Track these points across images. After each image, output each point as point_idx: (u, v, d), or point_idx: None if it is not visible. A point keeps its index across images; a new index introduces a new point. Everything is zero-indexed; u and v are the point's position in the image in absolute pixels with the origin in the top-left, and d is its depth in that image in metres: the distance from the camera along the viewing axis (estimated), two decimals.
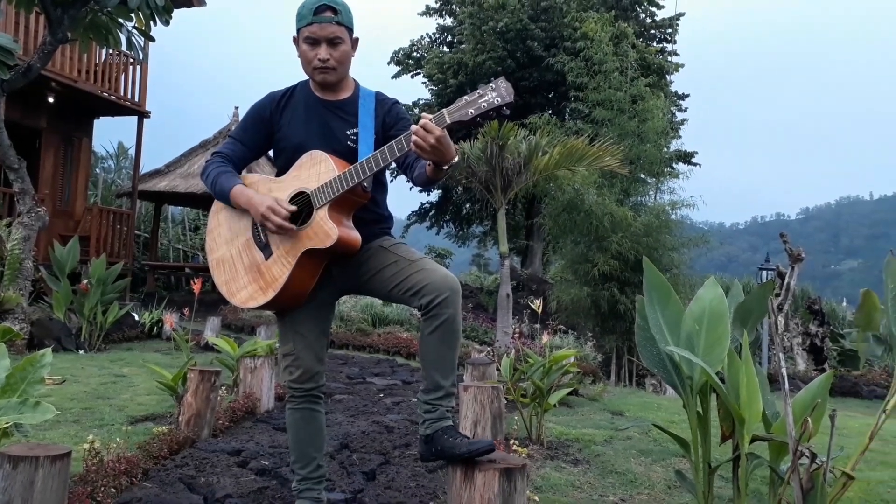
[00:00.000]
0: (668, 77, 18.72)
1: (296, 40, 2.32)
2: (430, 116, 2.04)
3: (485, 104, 2.02)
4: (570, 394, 4.96)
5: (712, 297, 2.51)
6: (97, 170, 19.12)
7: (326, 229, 2.18)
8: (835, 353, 12.12)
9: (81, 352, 7.22)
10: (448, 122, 2.04)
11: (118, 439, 3.27)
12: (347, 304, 10.96)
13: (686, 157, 18.36)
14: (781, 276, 8.56)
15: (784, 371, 2.37)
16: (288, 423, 2.45)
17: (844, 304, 21.17)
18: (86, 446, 2.86)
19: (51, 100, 11.18)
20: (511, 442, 3.37)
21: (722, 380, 2.42)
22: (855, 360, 12.30)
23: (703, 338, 2.47)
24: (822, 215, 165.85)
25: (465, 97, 2.05)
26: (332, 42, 2.26)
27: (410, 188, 18.51)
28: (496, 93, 2.02)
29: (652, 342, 2.57)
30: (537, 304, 5.34)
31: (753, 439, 2.35)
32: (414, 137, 2.03)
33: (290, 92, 2.43)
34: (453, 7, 20.97)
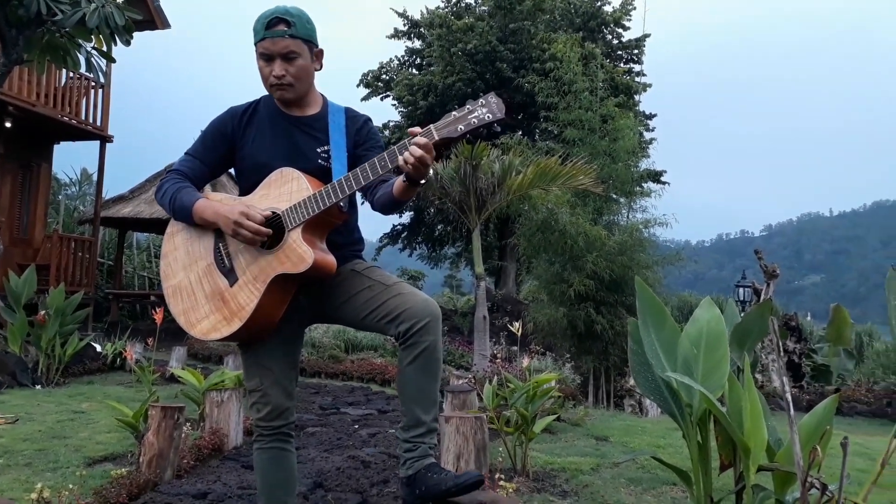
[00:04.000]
0: (636, 97, 18.89)
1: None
2: (419, 130, 1.89)
3: (475, 120, 1.89)
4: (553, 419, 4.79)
5: (710, 318, 2.37)
6: (59, 196, 18.60)
7: (300, 252, 2.00)
8: (808, 368, 12.15)
9: (38, 387, 6.85)
10: (436, 138, 1.90)
11: (72, 485, 3.03)
12: (319, 330, 10.67)
13: (655, 177, 18.47)
14: (757, 292, 8.54)
15: (789, 396, 2.23)
16: (256, 465, 2.24)
17: (809, 318, 21.38)
18: (33, 496, 2.62)
19: (8, 124, 10.80)
20: (497, 476, 3.18)
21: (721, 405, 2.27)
22: (827, 374, 12.35)
23: (702, 362, 2.32)
24: (784, 232, 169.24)
25: (454, 112, 1.92)
26: (287, 57, 2.10)
27: None
28: (486, 108, 1.89)
29: (647, 367, 2.42)
30: (517, 326, 5.18)
31: (758, 469, 2.20)
32: (415, 153, 1.86)
33: (254, 106, 2.25)
34: (422, 30, 21.00)
